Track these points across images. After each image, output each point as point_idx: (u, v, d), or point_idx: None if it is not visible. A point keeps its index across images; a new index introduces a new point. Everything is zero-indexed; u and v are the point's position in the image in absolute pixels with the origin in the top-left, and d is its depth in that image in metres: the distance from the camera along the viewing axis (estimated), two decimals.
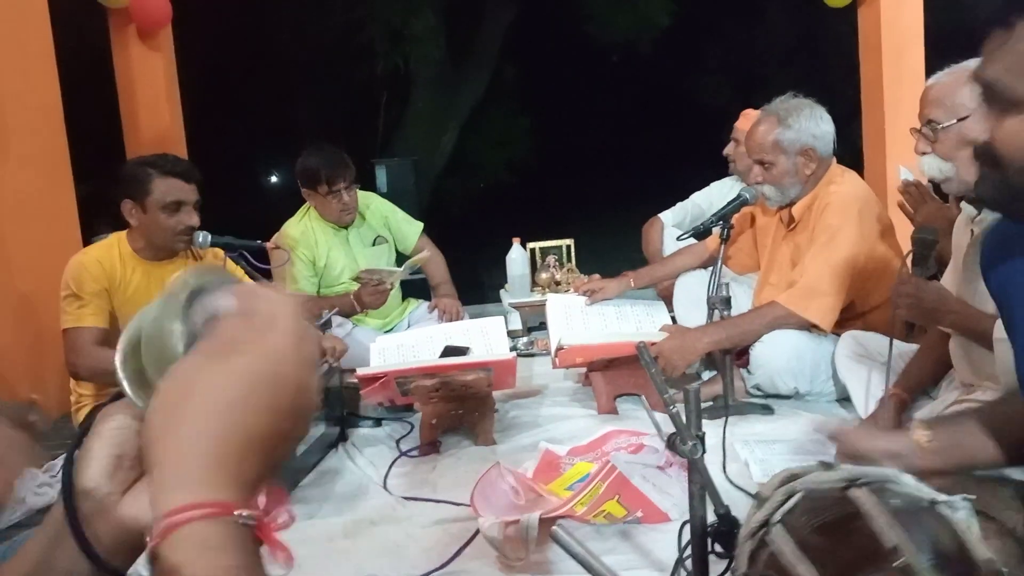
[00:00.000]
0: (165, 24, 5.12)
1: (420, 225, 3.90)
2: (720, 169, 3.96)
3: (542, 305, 3.40)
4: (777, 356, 2.73)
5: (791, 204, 2.87)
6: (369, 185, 6.47)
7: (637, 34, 11.54)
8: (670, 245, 3.73)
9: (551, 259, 4.29)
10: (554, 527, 1.28)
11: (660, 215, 3.97)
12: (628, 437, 2.31)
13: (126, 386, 0.64)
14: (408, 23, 10.27)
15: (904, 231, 2.54)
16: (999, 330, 1.74)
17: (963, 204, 2.10)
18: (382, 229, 3.79)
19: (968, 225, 2.02)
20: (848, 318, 2.79)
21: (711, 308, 2.74)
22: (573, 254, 4.39)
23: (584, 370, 3.06)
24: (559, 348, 2.83)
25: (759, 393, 2.85)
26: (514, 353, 2.90)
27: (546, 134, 14.29)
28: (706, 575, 1.46)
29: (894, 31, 5.07)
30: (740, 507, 1.41)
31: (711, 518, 1.45)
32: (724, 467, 2.20)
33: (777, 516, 1.13)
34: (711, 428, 1.99)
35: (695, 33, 13.50)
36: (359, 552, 1.97)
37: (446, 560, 1.85)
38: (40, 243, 3.63)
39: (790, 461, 2.18)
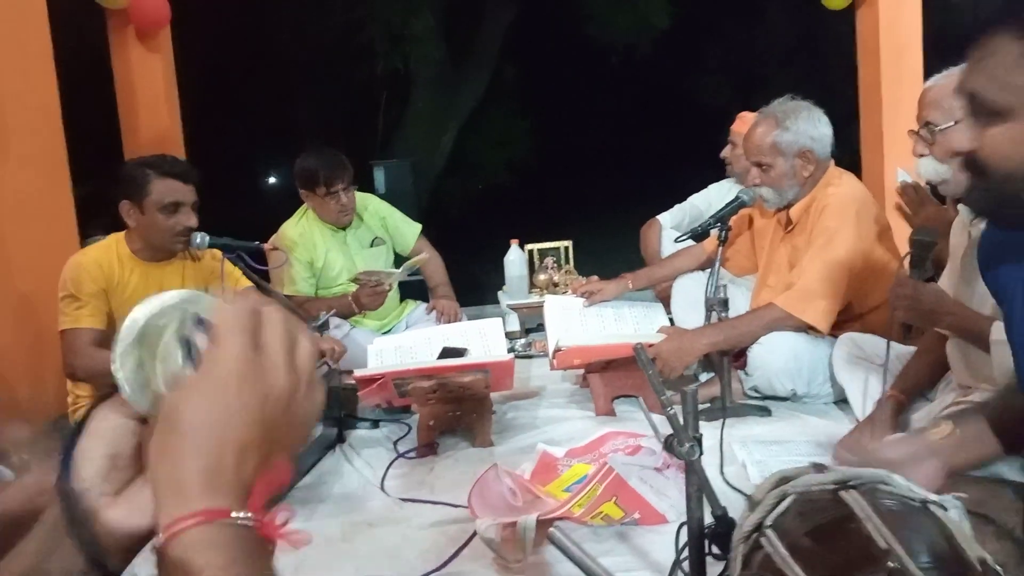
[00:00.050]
0: (164, 25, 5.11)
1: (418, 226, 3.90)
2: (719, 170, 3.96)
3: (540, 307, 3.40)
4: (775, 358, 2.74)
5: (789, 206, 2.87)
6: (367, 186, 6.48)
7: (636, 35, 11.55)
8: (668, 247, 3.73)
9: (549, 261, 4.29)
10: (551, 529, 1.28)
11: (658, 217, 3.98)
12: (626, 439, 2.31)
13: (125, 388, 0.64)
14: (408, 23, 10.27)
15: (902, 233, 2.54)
16: (996, 332, 1.75)
17: (960, 206, 2.11)
18: (380, 230, 3.79)
19: (966, 227, 2.02)
20: (846, 320, 2.79)
21: (709, 310, 2.74)
22: (571, 256, 4.39)
23: (582, 372, 3.06)
24: (557, 350, 2.83)
25: (757, 395, 2.85)
26: (512, 355, 2.90)
27: (545, 135, 14.30)
28: None
29: (893, 33, 5.07)
30: (737, 509, 1.41)
31: (708, 520, 1.45)
32: (721, 469, 2.20)
33: (770, 519, 1.13)
34: (708, 430, 1.99)
35: (694, 34, 13.50)
36: (356, 554, 1.97)
37: (443, 562, 1.85)
38: (38, 243, 3.63)
39: (787, 463, 2.18)
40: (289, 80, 13.03)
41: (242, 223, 3.82)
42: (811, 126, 2.78)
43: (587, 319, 3.11)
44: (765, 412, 2.75)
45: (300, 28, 11.85)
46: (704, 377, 3.03)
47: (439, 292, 3.81)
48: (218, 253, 2.99)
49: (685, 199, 4.04)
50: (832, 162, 2.86)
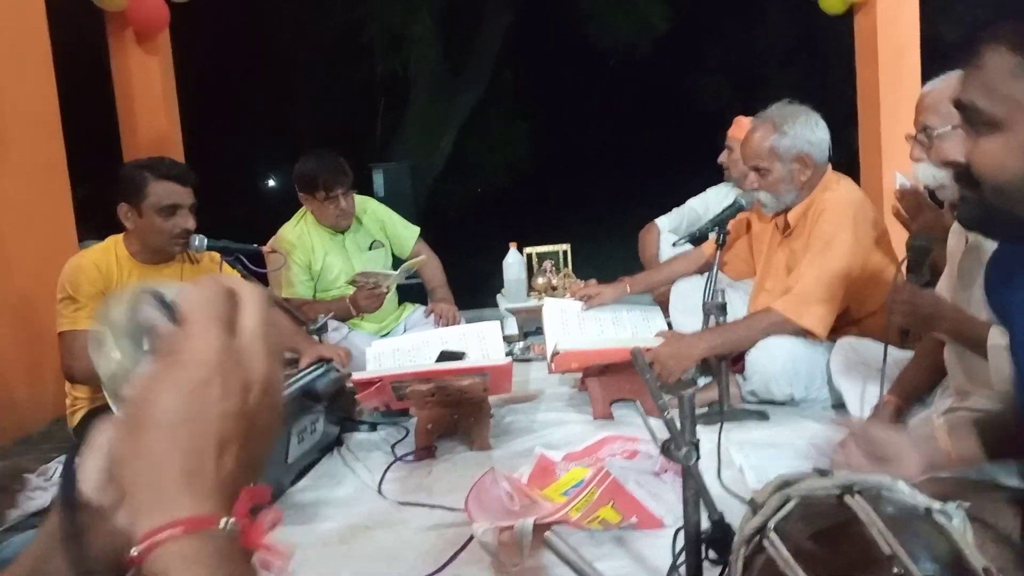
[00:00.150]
0: (163, 28, 5.12)
1: (417, 229, 3.90)
2: (717, 173, 3.97)
3: (538, 310, 3.40)
4: (772, 362, 2.74)
5: (787, 210, 2.88)
6: (366, 189, 6.47)
7: (635, 37, 11.56)
8: (666, 251, 3.73)
9: (548, 264, 4.29)
10: (547, 533, 1.28)
11: (656, 221, 3.98)
12: (623, 443, 2.31)
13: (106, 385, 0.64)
14: (407, 26, 10.28)
15: (899, 238, 2.54)
16: (994, 337, 1.75)
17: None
18: (378, 234, 3.79)
19: (963, 232, 2.02)
20: (843, 325, 2.79)
21: (707, 314, 2.74)
22: (570, 259, 4.39)
23: (580, 375, 3.06)
24: (555, 353, 2.83)
25: (754, 399, 2.85)
26: (510, 358, 2.89)
27: (544, 138, 14.32)
28: None
29: (890, 38, 5.09)
30: (735, 513, 1.41)
31: (705, 524, 1.45)
32: (719, 473, 2.20)
33: (772, 523, 1.13)
34: (706, 434, 1.98)
35: (693, 37, 13.53)
36: (354, 557, 1.97)
37: (440, 565, 1.84)
38: (37, 245, 3.63)
39: (785, 467, 2.17)
40: (288, 83, 13.05)
41: (240, 225, 3.83)
42: (809, 131, 2.79)
43: (585, 323, 3.11)
44: (763, 417, 2.74)
45: (299, 31, 11.87)
46: (702, 381, 3.03)
47: (437, 295, 3.81)
48: (216, 256, 2.99)
49: (684, 202, 4.05)
50: (830, 166, 2.87)
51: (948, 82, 2.07)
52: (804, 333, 2.72)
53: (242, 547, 0.53)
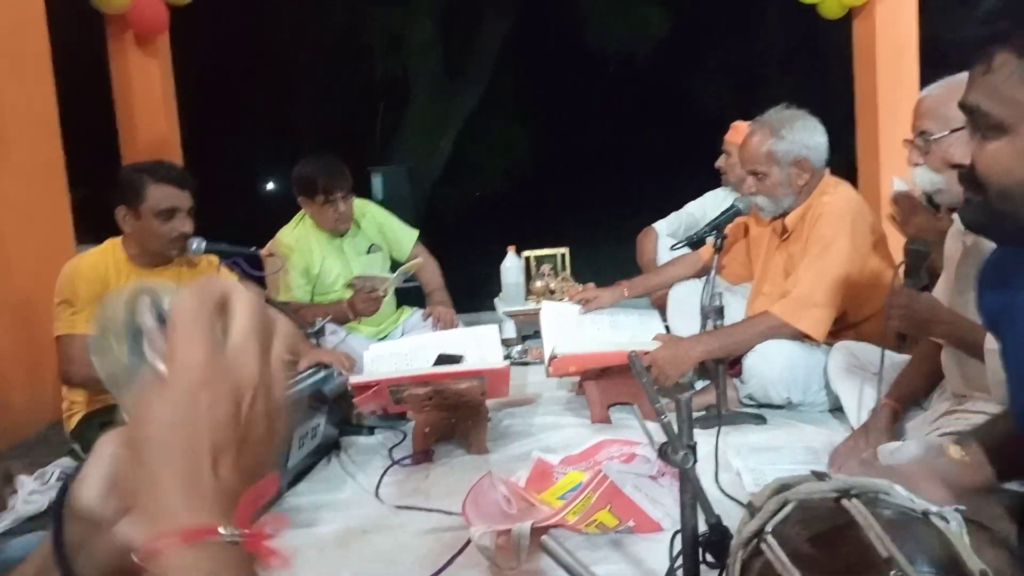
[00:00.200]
0: (162, 30, 5.12)
1: (415, 233, 3.90)
2: (715, 177, 3.97)
3: (536, 314, 3.40)
4: (770, 366, 2.74)
5: (784, 214, 2.88)
6: (364, 192, 6.47)
7: (634, 41, 11.58)
8: (664, 255, 3.74)
9: (546, 268, 4.29)
10: (544, 537, 1.28)
11: (654, 225, 3.99)
12: (621, 446, 2.31)
13: (108, 385, 0.63)
14: (406, 28, 10.29)
15: (897, 242, 2.54)
16: (991, 341, 1.75)
17: (955, 216, 2.11)
18: (377, 237, 3.79)
19: (960, 236, 2.03)
20: (840, 328, 2.80)
21: (704, 318, 2.74)
22: (568, 262, 4.39)
23: (578, 379, 3.06)
24: (553, 357, 2.83)
25: (752, 403, 2.85)
26: (508, 362, 2.89)
27: (543, 141, 14.33)
28: None
29: (889, 42, 5.10)
30: (732, 517, 1.41)
31: (703, 528, 1.45)
32: (716, 477, 2.20)
33: (770, 526, 1.13)
34: (704, 438, 1.99)
35: (692, 41, 13.55)
36: (351, 561, 1.96)
37: (438, 569, 1.84)
38: (35, 248, 3.63)
39: (782, 471, 2.18)
40: (287, 85, 13.07)
41: (239, 228, 3.82)
42: (806, 135, 2.79)
43: (583, 326, 3.11)
44: (760, 420, 2.75)
45: (298, 34, 11.89)
46: (699, 385, 3.03)
47: (435, 298, 3.81)
48: (214, 259, 2.98)
49: (682, 206, 4.05)
50: (827, 171, 2.87)
51: (946, 87, 2.08)
52: (802, 337, 2.72)
53: (246, 553, 0.53)
